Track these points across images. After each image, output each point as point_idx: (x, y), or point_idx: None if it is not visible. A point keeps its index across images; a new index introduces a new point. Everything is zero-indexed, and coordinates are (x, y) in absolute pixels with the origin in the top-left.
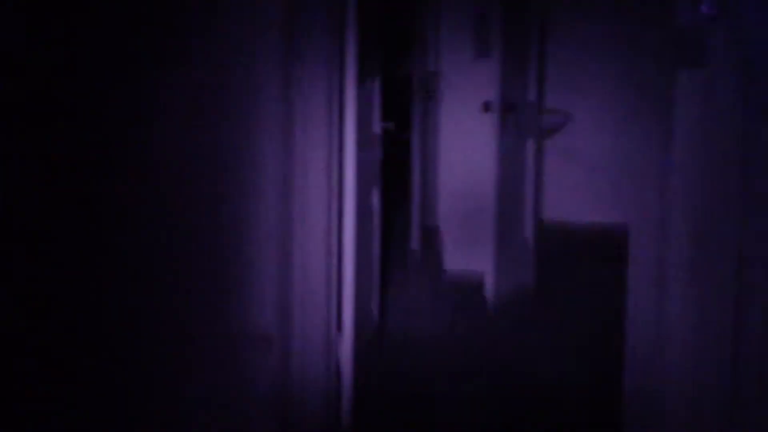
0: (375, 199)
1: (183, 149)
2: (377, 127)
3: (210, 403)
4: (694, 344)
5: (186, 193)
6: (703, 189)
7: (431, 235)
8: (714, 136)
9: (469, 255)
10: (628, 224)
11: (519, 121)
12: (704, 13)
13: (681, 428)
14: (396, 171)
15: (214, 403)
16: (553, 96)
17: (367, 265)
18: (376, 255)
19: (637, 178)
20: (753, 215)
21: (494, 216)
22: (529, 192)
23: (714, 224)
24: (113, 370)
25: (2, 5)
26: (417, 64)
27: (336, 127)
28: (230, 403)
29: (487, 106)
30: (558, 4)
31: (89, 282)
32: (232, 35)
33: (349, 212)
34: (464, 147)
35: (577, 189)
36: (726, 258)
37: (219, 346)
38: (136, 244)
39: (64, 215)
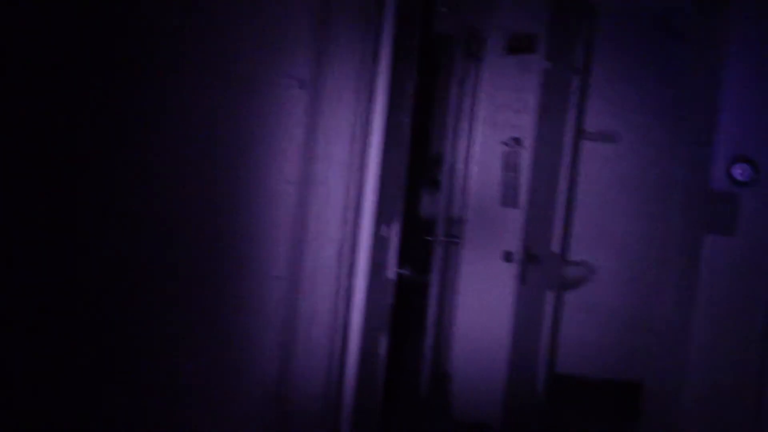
0: (382, 348)
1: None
2: (392, 273)
3: None
4: None
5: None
6: (724, 349)
7: (442, 382)
8: (738, 298)
9: (479, 404)
10: (642, 381)
11: (540, 273)
12: (737, 179)
13: None
14: (410, 313)
15: None
16: (577, 249)
17: (371, 411)
18: (378, 399)
19: (655, 335)
20: None
21: (506, 365)
22: (545, 344)
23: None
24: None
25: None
26: (442, 207)
27: (345, 272)
28: None
29: (508, 256)
30: (587, 160)
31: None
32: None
33: (351, 364)
34: (482, 295)
35: (594, 343)
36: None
37: None
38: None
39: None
